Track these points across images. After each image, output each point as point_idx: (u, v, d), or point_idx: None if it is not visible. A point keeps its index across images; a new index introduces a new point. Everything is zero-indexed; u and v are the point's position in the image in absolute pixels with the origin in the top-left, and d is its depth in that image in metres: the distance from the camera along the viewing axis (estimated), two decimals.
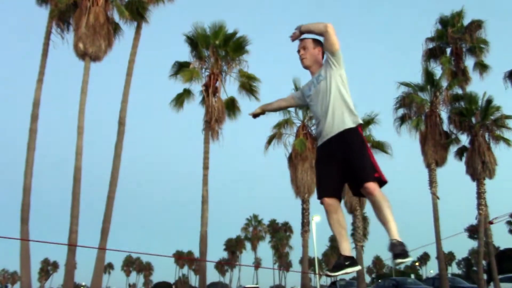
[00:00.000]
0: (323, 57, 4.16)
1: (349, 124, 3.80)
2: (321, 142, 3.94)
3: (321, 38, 4.01)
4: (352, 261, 3.78)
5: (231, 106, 24.45)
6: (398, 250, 3.47)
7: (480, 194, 26.51)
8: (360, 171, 3.61)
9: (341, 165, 3.73)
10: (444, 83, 28.35)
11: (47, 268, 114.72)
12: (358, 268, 3.80)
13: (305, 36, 4.19)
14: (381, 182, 3.66)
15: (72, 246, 18.98)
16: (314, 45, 4.17)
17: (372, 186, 3.55)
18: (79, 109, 20.69)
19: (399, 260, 3.47)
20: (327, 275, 3.81)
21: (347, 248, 3.84)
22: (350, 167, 3.67)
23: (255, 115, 4.65)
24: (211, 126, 23.20)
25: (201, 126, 23.68)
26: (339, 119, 3.82)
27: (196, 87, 24.30)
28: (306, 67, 4.19)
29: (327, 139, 3.86)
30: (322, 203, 3.84)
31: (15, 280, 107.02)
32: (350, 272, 3.76)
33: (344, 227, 3.88)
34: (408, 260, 3.50)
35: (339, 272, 3.77)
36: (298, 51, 4.21)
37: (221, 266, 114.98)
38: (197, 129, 23.64)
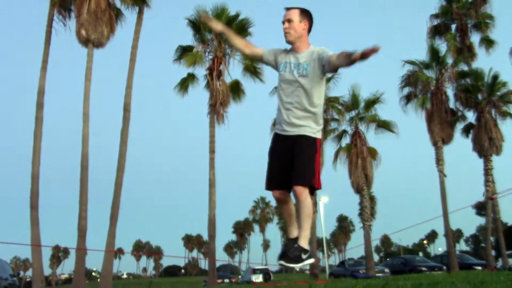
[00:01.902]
0: (309, 32, 3.88)
1: (311, 134, 3.78)
2: (280, 133, 3.90)
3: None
4: (309, 254, 3.87)
5: (236, 89, 24.39)
6: (292, 254, 3.71)
7: (487, 171, 26.46)
8: (298, 173, 3.67)
9: (289, 162, 3.76)
10: (450, 60, 28.13)
11: (58, 254, 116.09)
12: (313, 260, 3.94)
13: (292, 5, 3.88)
14: (314, 188, 3.75)
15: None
16: (301, 17, 3.83)
17: (299, 190, 3.64)
18: (84, 96, 20.72)
19: (285, 263, 3.72)
20: (281, 265, 3.83)
21: (294, 231, 3.99)
22: (294, 166, 3.71)
23: (210, 23, 4.51)
24: (216, 109, 23.19)
25: (206, 110, 23.70)
26: (305, 125, 3.77)
27: (200, 71, 24.24)
28: (289, 42, 3.87)
29: (286, 135, 3.83)
30: (272, 193, 3.92)
31: (27, 267, 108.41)
32: (307, 263, 3.83)
33: (294, 215, 4.00)
34: (293, 266, 3.78)
35: (298, 265, 3.85)
36: (283, 23, 3.84)
37: (230, 248, 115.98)
38: (202, 113, 23.64)
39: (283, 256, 3.82)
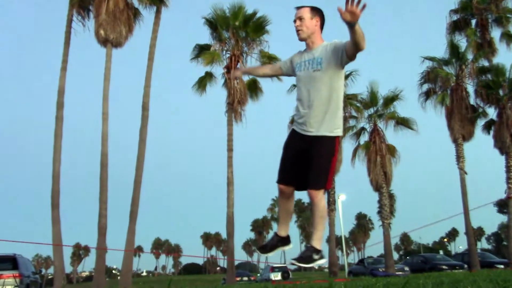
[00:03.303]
0: (322, 28, 3.85)
1: (331, 132, 3.73)
2: (298, 130, 3.87)
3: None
4: (285, 241, 4.11)
5: (253, 88, 24.38)
6: (305, 254, 3.74)
7: (509, 168, 26.01)
8: (313, 177, 3.69)
9: (305, 162, 3.76)
10: (470, 56, 27.70)
11: (79, 252, 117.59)
12: (289, 246, 4.15)
13: (303, 4, 3.87)
14: (325, 190, 3.79)
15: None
16: (312, 14, 3.81)
17: (314, 193, 3.68)
18: (103, 96, 20.94)
19: (296, 262, 3.76)
20: (292, 264, 3.87)
21: (283, 230, 4.10)
22: (310, 168, 3.72)
23: (235, 77, 4.57)
24: (234, 108, 23.22)
25: (224, 108, 23.74)
26: (324, 123, 3.72)
27: (218, 70, 24.31)
28: (302, 40, 3.85)
29: (305, 134, 3.79)
30: (278, 186, 3.95)
31: (48, 265, 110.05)
32: (318, 264, 3.84)
33: (290, 213, 4.12)
34: (304, 266, 3.79)
35: (273, 251, 4.13)
36: (294, 21, 3.83)
37: (249, 247, 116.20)
38: (220, 112, 23.69)
39: (264, 248, 4.12)
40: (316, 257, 3.72)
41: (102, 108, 20.80)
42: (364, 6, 3.14)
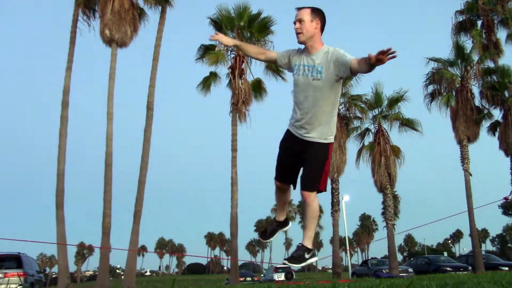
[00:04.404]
0: (322, 31, 3.80)
1: (325, 140, 3.84)
2: (293, 132, 3.93)
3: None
4: (283, 224, 4.41)
5: (258, 88, 24.39)
6: (296, 253, 3.86)
7: None
8: (306, 180, 3.84)
9: (300, 163, 3.92)
10: (475, 57, 27.67)
11: (83, 251, 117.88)
12: (287, 227, 4.44)
13: (303, 4, 3.81)
14: (319, 191, 3.90)
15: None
16: (312, 16, 3.74)
17: (306, 194, 3.80)
18: (108, 95, 20.99)
19: (287, 263, 3.87)
20: (285, 265, 4.02)
21: (281, 216, 4.40)
22: (303, 171, 3.89)
23: (222, 43, 4.49)
24: (238, 108, 23.22)
25: (228, 108, 23.75)
26: (319, 131, 3.80)
27: (223, 70, 24.31)
28: (301, 43, 3.80)
29: (301, 138, 3.87)
30: (275, 182, 4.14)
31: (53, 263, 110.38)
32: (310, 262, 3.95)
33: (286, 203, 4.40)
34: (296, 266, 3.93)
35: (273, 236, 4.43)
36: (294, 23, 3.78)
37: (252, 247, 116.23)
38: (224, 112, 23.71)
39: (264, 233, 4.38)
40: (307, 256, 3.83)
41: (107, 108, 20.84)
42: (393, 56, 3.16)
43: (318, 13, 3.77)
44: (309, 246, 3.87)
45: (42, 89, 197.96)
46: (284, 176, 4.05)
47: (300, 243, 3.89)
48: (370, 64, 3.28)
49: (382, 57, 3.15)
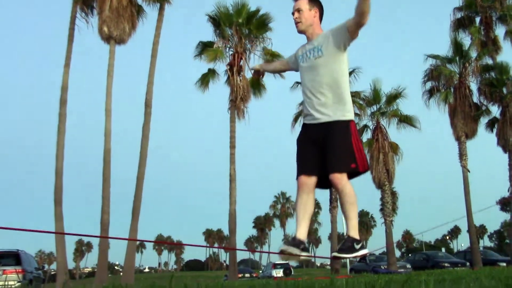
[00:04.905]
0: (320, 19, 3.81)
1: (343, 116, 3.59)
2: (307, 122, 3.74)
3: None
4: (305, 247, 3.57)
5: (256, 85, 24.38)
6: (345, 245, 3.54)
7: None
8: (332, 162, 3.49)
9: (321, 151, 3.58)
10: (474, 54, 27.67)
11: (82, 248, 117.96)
12: (307, 254, 3.60)
13: None
14: (359, 172, 3.59)
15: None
16: (310, 5, 3.75)
17: (337, 178, 3.46)
18: (106, 92, 20.96)
19: (338, 254, 3.55)
20: (281, 251, 3.54)
21: (303, 232, 3.64)
22: (328, 153, 3.53)
23: (254, 72, 4.45)
24: (236, 105, 23.23)
25: (226, 105, 23.76)
26: (333, 108, 3.59)
27: (221, 67, 24.30)
28: (300, 32, 3.79)
29: (316, 123, 3.65)
30: (298, 180, 3.66)
31: (51, 260, 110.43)
32: (304, 255, 3.55)
33: (309, 212, 3.67)
34: (347, 257, 3.59)
35: (293, 253, 3.53)
36: (293, 13, 3.76)
37: (251, 243, 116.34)
38: (223, 109, 23.74)
39: (341, 249, 3.63)
40: (357, 247, 3.57)
41: (105, 105, 20.82)
42: None
43: (315, 2, 3.77)
44: (356, 236, 3.58)
45: (40, 86, 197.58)
46: (306, 166, 3.63)
47: (346, 235, 3.63)
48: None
49: None
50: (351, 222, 3.59)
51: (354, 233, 3.58)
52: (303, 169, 3.64)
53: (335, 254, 3.59)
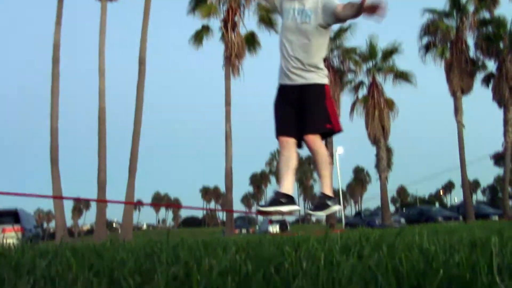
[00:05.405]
0: None
1: (316, 80, 3.66)
2: (285, 83, 3.77)
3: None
4: (289, 200, 3.65)
5: (251, 41, 24.09)
6: (319, 202, 3.67)
7: (507, 121, 26.11)
8: (308, 123, 3.58)
9: (297, 112, 3.66)
10: (471, 8, 27.28)
11: (80, 206, 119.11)
12: (295, 207, 3.72)
13: None
14: (333, 132, 3.70)
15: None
16: None
17: (311, 139, 3.56)
18: (99, 51, 20.69)
19: (312, 212, 3.73)
20: (259, 211, 3.70)
21: (287, 187, 3.70)
22: (303, 116, 3.62)
23: None
24: (231, 61, 23.01)
25: (221, 62, 23.53)
26: (310, 72, 3.65)
27: (215, 23, 23.91)
28: None
29: (292, 84, 3.70)
30: (278, 140, 3.75)
31: (50, 219, 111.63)
32: (285, 210, 3.65)
33: (291, 167, 3.74)
34: (321, 214, 3.74)
35: (273, 208, 3.64)
36: None
37: (247, 200, 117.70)
38: (218, 66, 23.49)
39: (316, 207, 3.76)
40: (330, 203, 3.67)
41: (99, 63, 20.60)
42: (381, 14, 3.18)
43: None
44: (330, 193, 3.69)
45: (32, 45, 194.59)
46: (285, 127, 3.74)
47: (320, 192, 3.74)
48: (357, 9, 3.24)
49: (374, 9, 3.14)
50: (325, 180, 3.70)
51: (328, 191, 3.69)
52: (281, 131, 3.73)
53: (309, 211, 3.78)
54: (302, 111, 3.64)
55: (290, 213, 3.77)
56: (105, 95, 20.49)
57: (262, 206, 3.69)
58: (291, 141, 3.70)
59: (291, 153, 3.71)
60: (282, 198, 3.60)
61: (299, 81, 3.67)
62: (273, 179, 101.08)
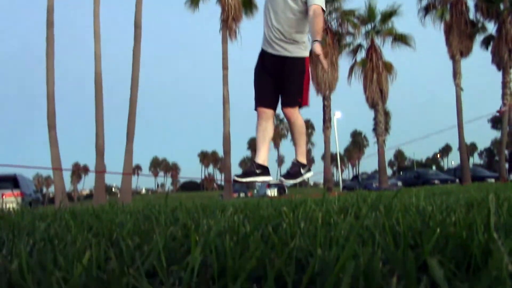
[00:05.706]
0: None
1: (298, 53, 3.81)
2: (266, 50, 3.90)
3: None
4: (264, 171, 3.84)
5: (248, 3, 23.75)
6: (292, 170, 3.89)
7: (506, 84, 26.03)
8: (286, 96, 3.80)
9: (276, 83, 3.84)
10: None
11: (78, 172, 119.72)
12: (269, 178, 3.90)
13: None
14: (300, 105, 3.86)
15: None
16: None
17: (289, 112, 3.78)
18: (94, 14, 20.35)
19: (284, 179, 3.89)
20: (235, 181, 3.84)
21: (262, 157, 3.87)
22: (281, 89, 3.83)
23: None
24: (228, 25, 22.73)
25: (218, 25, 23.24)
26: (292, 46, 3.79)
27: None
28: None
29: (274, 54, 3.83)
30: (257, 110, 3.93)
31: (49, 183, 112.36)
32: (260, 180, 3.84)
33: (268, 137, 3.92)
34: (293, 182, 3.93)
35: (248, 179, 3.82)
36: None
37: (245, 164, 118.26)
38: (214, 30, 23.23)
39: (289, 174, 3.95)
40: (303, 171, 3.88)
41: (94, 27, 20.29)
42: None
43: None
44: (303, 161, 3.90)
45: (25, 8, 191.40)
46: (264, 98, 3.89)
47: (294, 159, 3.93)
48: (312, 37, 3.60)
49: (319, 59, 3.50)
50: (300, 149, 3.94)
51: (302, 159, 3.92)
52: (261, 102, 3.91)
53: (282, 178, 3.93)
54: (281, 82, 3.82)
55: (264, 182, 3.98)
56: (101, 60, 20.27)
57: (238, 176, 3.83)
58: (269, 112, 3.89)
59: (268, 124, 3.92)
60: (257, 169, 3.80)
61: (282, 52, 3.81)
62: (270, 143, 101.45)
